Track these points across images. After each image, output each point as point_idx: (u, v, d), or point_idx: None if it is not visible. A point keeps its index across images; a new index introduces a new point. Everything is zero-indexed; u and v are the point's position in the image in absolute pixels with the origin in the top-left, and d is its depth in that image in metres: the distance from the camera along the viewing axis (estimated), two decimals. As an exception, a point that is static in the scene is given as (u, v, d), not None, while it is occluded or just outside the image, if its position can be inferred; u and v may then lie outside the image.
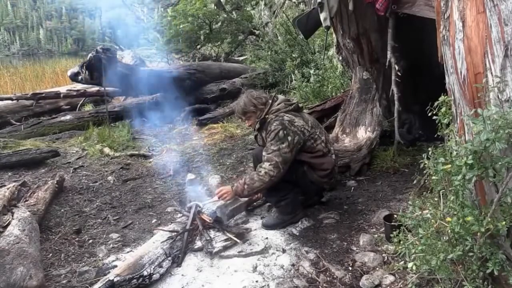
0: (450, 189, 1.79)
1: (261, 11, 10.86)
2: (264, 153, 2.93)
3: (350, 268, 2.55)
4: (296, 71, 7.52)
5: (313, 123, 3.18)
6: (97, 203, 3.86)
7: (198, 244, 2.83)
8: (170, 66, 9.57)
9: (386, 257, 2.59)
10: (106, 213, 3.66)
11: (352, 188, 3.81)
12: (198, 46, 11.48)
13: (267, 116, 3.06)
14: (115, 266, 2.61)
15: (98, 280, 2.43)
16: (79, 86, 8.28)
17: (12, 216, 2.95)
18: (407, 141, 4.49)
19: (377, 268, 2.50)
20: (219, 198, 3.03)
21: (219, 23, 10.84)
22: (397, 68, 3.99)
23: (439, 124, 1.98)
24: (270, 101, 3.14)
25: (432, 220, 1.88)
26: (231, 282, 2.47)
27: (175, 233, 2.83)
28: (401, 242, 2.01)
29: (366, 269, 2.51)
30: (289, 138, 2.90)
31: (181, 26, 10.29)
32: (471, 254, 1.73)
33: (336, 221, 3.18)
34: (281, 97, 3.22)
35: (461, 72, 1.79)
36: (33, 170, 4.66)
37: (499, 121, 1.48)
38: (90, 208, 3.76)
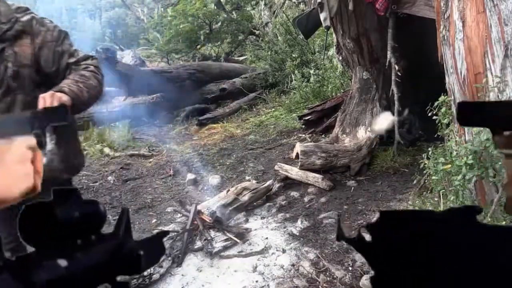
0: (450, 189, 1.79)
1: (261, 11, 10.85)
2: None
3: (350, 268, 2.54)
4: (296, 71, 7.52)
5: None
6: (97, 203, 3.86)
7: (198, 244, 2.83)
8: (170, 66, 9.57)
9: (386, 257, 2.59)
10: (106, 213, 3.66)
11: (352, 188, 3.81)
12: (198, 46, 11.47)
13: None
14: (115, 266, 2.62)
15: (98, 280, 2.43)
16: (79, 86, 8.25)
17: (12, 216, 2.95)
18: (407, 141, 4.48)
19: (377, 268, 2.49)
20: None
21: (219, 23, 10.84)
22: (397, 68, 3.99)
23: (439, 124, 1.98)
24: None
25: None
26: (231, 282, 2.47)
27: (175, 233, 2.83)
28: (401, 242, 2.00)
29: (366, 269, 2.51)
30: None
31: (181, 26, 10.29)
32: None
33: (336, 221, 3.18)
34: None
35: (461, 72, 1.79)
36: (33, 170, 4.66)
37: (499, 121, 1.48)
38: (90, 208, 3.76)
